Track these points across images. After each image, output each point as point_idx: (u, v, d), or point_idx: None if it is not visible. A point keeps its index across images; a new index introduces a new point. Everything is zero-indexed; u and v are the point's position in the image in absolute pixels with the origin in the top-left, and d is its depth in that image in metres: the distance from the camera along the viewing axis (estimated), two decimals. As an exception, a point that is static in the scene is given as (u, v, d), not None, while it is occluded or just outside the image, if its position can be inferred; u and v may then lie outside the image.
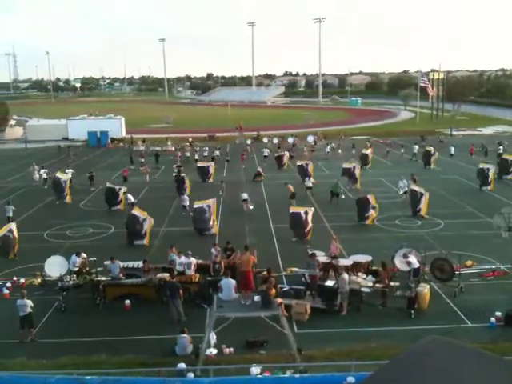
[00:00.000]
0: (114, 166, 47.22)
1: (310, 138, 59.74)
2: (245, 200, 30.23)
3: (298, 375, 2.72)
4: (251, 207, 30.30)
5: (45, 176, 39.30)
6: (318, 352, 14.17)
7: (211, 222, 25.66)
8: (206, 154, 51.65)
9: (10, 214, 27.82)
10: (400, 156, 49.97)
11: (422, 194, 28.03)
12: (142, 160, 47.58)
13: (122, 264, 18.89)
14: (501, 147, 47.80)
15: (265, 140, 59.69)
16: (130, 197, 31.21)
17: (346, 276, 16.98)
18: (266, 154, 49.93)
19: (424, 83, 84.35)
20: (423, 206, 27.98)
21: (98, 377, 2.17)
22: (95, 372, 9.79)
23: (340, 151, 53.02)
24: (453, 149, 49.53)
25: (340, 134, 63.33)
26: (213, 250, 19.64)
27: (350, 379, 2.01)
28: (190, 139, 62.70)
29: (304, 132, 70.04)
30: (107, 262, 18.95)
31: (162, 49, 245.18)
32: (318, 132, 63.76)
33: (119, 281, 18.33)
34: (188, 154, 51.44)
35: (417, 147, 49.77)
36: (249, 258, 15.22)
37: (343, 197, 32.22)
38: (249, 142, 59.35)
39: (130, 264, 19.51)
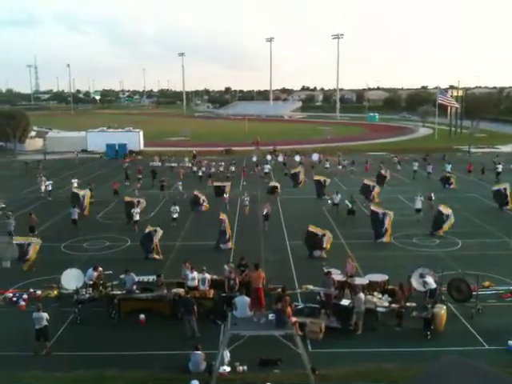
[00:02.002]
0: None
1: (315, 157, 58.16)
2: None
3: None
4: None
5: (50, 188, 39.71)
6: (333, 372, 14.06)
7: (227, 236, 25.73)
8: (221, 168, 51.21)
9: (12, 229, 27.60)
10: (415, 173, 48.68)
11: (384, 214, 26.54)
12: (140, 176, 46.00)
13: (136, 277, 18.96)
14: (499, 166, 46.87)
15: (280, 158, 57.72)
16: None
17: (362, 296, 16.85)
18: (267, 171, 49.22)
19: (445, 100, 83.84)
20: (387, 226, 26.45)
21: None
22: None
23: (340, 167, 52.87)
24: (449, 166, 47.74)
25: (337, 153, 60.88)
26: (226, 267, 19.68)
27: None
28: (194, 151, 62.33)
29: (319, 147, 70.07)
30: (122, 276, 19.06)
31: (181, 63, 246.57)
32: (337, 153, 60.50)
33: (134, 295, 18.37)
34: (204, 169, 50.20)
35: (417, 164, 49.19)
36: (259, 275, 15.17)
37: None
38: (269, 157, 57.24)
39: (145, 278, 19.59)
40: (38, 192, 40.76)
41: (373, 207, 25.66)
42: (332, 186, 39.15)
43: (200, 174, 48.07)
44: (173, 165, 53.20)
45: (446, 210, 27.87)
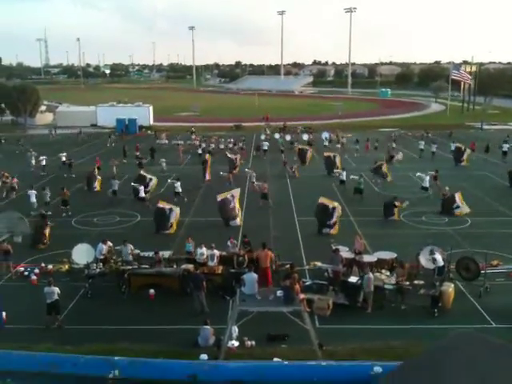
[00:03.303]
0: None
1: (325, 135, 54.52)
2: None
3: (324, 362, 2.78)
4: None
5: (44, 162, 40.20)
6: (340, 348, 14.21)
7: (236, 212, 25.81)
8: (231, 145, 50.16)
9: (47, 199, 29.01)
10: (422, 152, 46.90)
11: (333, 209, 24.72)
12: (137, 154, 44.99)
13: (132, 248, 19.63)
14: (506, 144, 45.05)
15: (288, 137, 54.32)
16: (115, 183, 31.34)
17: (371, 276, 16.90)
18: (266, 148, 47.95)
19: (458, 76, 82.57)
20: (336, 220, 24.90)
21: (126, 357, 2.29)
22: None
23: (339, 145, 50.32)
24: (454, 146, 45.07)
25: (336, 131, 59.08)
26: (229, 243, 19.93)
27: (377, 369, 2.06)
28: (193, 129, 60.26)
29: (330, 124, 69.64)
30: (118, 247, 19.70)
31: (191, 37, 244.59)
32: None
33: (144, 270, 18.60)
34: (213, 146, 49.39)
35: (423, 143, 47.66)
36: (266, 254, 15.26)
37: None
38: (277, 136, 55.01)
39: (146, 254, 19.81)
40: (29, 167, 40.86)
41: (322, 199, 25.08)
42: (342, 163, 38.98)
43: (200, 151, 46.62)
44: (179, 142, 51.69)
45: (459, 199, 27.65)
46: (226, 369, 2.14)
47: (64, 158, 41.49)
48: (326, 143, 51.95)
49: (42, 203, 28.43)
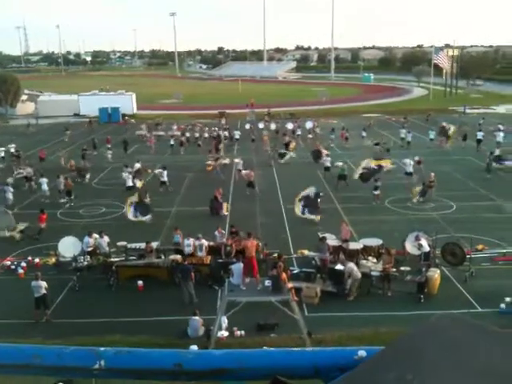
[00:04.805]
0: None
1: (309, 124, 51.07)
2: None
3: (309, 348, 2.82)
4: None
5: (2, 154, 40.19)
6: (328, 336, 14.38)
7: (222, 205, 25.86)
8: (215, 134, 47.84)
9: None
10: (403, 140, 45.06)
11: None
12: (109, 146, 42.50)
13: (108, 239, 19.69)
14: (480, 132, 41.96)
15: (272, 126, 51.65)
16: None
17: (351, 265, 17.05)
18: (238, 137, 46.87)
19: (439, 60, 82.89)
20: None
21: (112, 348, 2.29)
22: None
23: (310, 135, 47.63)
24: (432, 133, 44.02)
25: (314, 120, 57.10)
26: (216, 233, 19.96)
27: (362, 353, 2.08)
28: (159, 119, 57.74)
29: (314, 110, 69.66)
30: (96, 235, 19.64)
31: (172, 23, 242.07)
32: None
33: (131, 262, 18.61)
34: (197, 135, 47.16)
35: (404, 131, 45.21)
36: (252, 243, 15.33)
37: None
38: (261, 125, 52.58)
39: (134, 245, 19.74)
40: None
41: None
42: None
43: (172, 142, 43.83)
44: (160, 133, 50.07)
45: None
46: (212, 357, 2.16)
47: (13, 150, 40.88)
48: (299, 132, 48.75)
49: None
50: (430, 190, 27.13)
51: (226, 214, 25.67)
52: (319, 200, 24.46)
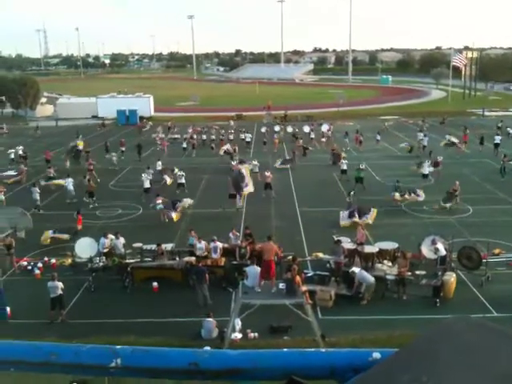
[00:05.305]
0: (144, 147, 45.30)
1: (325, 127, 49.76)
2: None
3: (323, 349, 2.82)
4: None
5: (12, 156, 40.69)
6: (342, 339, 14.30)
7: (245, 181, 26.42)
8: (231, 137, 48.23)
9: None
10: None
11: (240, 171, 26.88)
12: (123, 149, 42.66)
13: (123, 241, 19.82)
14: (498, 136, 40.85)
15: (289, 129, 51.09)
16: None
17: (361, 272, 16.97)
18: (249, 140, 46.29)
19: (456, 61, 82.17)
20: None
21: (129, 346, 2.33)
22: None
23: (324, 139, 45.99)
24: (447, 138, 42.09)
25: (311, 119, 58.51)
26: (231, 235, 20.01)
27: (376, 355, 2.07)
28: (169, 123, 57.78)
29: (331, 112, 69.46)
30: (112, 236, 19.79)
31: (190, 25, 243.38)
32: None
33: (147, 263, 18.72)
34: (213, 137, 47.28)
35: (422, 135, 43.40)
36: (271, 247, 15.33)
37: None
38: (277, 128, 51.43)
39: (149, 247, 19.85)
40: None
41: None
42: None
43: (184, 145, 44.26)
44: (175, 136, 50.13)
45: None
46: (228, 356, 2.17)
47: (21, 152, 41.47)
48: (313, 135, 47.60)
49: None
50: (455, 198, 26.47)
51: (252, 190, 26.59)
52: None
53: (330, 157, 38.31)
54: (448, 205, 26.06)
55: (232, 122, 57.44)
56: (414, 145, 41.93)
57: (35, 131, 57.70)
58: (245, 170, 27.09)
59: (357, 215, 23.93)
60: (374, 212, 24.70)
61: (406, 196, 26.85)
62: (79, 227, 23.54)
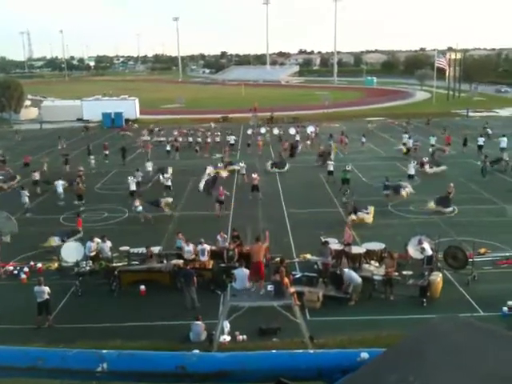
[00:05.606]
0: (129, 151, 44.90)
1: (311, 129, 50.19)
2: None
3: (312, 351, 2.82)
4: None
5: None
6: (330, 340, 14.33)
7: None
8: (218, 139, 48.28)
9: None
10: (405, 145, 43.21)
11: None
12: (106, 152, 42.64)
13: (110, 244, 19.79)
14: (481, 138, 40.90)
15: (275, 131, 51.02)
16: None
17: (349, 272, 17.06)
18: (233, 142, 46.03)
19: (440, 63, 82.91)
20: None
21: (115, 350, 2.32)
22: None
23: (308, 142, 45.93)
24: (433, 139, 42.91)
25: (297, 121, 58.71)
26: (219, 237, 19.98)
27: (364, 355, 2.09)
28: (152, 125, 57.50)
29: (317, 114, 69.71)
30: (98, 240, 19.74)
31: (175, 27, 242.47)
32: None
33: (134, 267, 18.63)
34: (199, 140, 46.88)
35: (407, 136, 43.59)
36: (260, 248, 15.34)
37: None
38: (263, 130, 52.03)
39: (136, 250, 19.76)
40: None
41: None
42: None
43: (168, 148, 43.75)
44: (161, 139, 49.82)
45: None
46: (215, 359, 2.16)
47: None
48: (298, 138, 46.79)
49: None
50: (449, 199, 26.46)
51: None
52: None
53: (316, 158, 38.42)
54: (448, 210, 25.79)
55: (213, 125, 57.31)
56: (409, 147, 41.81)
57: (15, 135, 57.16)
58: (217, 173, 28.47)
59: (355, 212, 24.38)
60: (371, 209, 24.84)
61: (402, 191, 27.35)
62: (79, 229, 23.36)
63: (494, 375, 1.69)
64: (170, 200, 27.36)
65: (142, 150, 45.15)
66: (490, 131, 45.93)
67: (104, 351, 2.25)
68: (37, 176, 32.73)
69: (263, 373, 2.11)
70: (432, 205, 25.85)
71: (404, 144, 42.53)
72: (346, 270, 17.18)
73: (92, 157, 40.00)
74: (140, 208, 25.74)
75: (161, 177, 31.97)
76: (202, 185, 25.98)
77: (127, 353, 2.30)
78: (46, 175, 34.28)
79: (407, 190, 27.41)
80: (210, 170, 32.90)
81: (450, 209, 25.83)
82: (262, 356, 2.28)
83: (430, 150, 40.37)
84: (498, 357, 1.80)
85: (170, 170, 33.11)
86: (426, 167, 33.96)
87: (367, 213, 24.36)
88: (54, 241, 21.41)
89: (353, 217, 23.98)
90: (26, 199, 27.50)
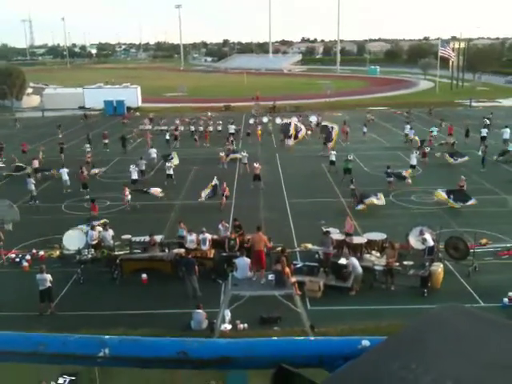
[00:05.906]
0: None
1: (313, 118, 49.61)
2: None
3: (312, 338, 2.81)
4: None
5: None
6: (331, 329, 14.41)
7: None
8: (220, 128, 48.12)
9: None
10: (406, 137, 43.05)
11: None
12: (106, 141, 42.31)
13: (112, 232, 19.84)
14: (484, 129, 40.44)
15: (277, 120, 48.67)
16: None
17: (353, 260, 17.09)
18: (233, 131, 45.04)
19: (445, 52, 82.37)
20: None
21: (117, 336, 2.33)
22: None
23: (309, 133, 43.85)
24: (435, 130, 42.36)
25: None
26: (220, 227, 20.01)
27: (365, 343, 2.09)
28: (151, 115, 56.38)
29: (319, 103, 69.48)
30: (100, 228, 19.83)
31: (177, 15, 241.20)
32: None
33: (136, 255, 18.69)
34: (201, 129, 46.25)
35: (408, 127, 43.02)
36: (260, 237, 15.39)
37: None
38: (265, 119, 51.48)
39: (138, 238, 19.80)
40: None
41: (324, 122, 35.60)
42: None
43: (167, 137, 43.75)
44: (162, 128, 49.43)
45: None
46: (217, 345, 2.18)
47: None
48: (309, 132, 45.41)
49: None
50: (465, 193, 25.59)
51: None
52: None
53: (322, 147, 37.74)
54: (471, 202, 24.57)
55: (210, 113, 57.04)
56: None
57: (14, 124, 56.97)
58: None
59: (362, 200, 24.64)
60: (381, 195, 25.00)
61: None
62: (96, 214, 23.57)
63: (495, 363, 1.70)
64: (159, 190, 27.09)
65: (137, 139, 45.08)
66: (487, 121, 45.16)
67: (106, 337, 2.26)
68: (36, 164, 32.81)
69: (265, 359, 2.13)
70: (442, 194, 25.25)
71: (406, 135, 42.20)
72: (352, 257, 17.23)
73: (87, 145, 39.83)
74: (129, 197, 25.88)
75: (167, 164, 31.84)
76: (204, 195, 25.62)
77: (129, 338, 2.31)
78: (42, 163, 34.39)
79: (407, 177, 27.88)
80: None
81: (473, 200, 24.62)
82: (264, 342, 2.30)
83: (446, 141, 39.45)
84: (499, 345, 1.80)
85: (176, 157, 33.23)
86: (446, 156, 33.45)
87: (377, 198, 24.39)
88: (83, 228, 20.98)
89: (363, 206, 24.08)
90: (33, 187, 27.35)
